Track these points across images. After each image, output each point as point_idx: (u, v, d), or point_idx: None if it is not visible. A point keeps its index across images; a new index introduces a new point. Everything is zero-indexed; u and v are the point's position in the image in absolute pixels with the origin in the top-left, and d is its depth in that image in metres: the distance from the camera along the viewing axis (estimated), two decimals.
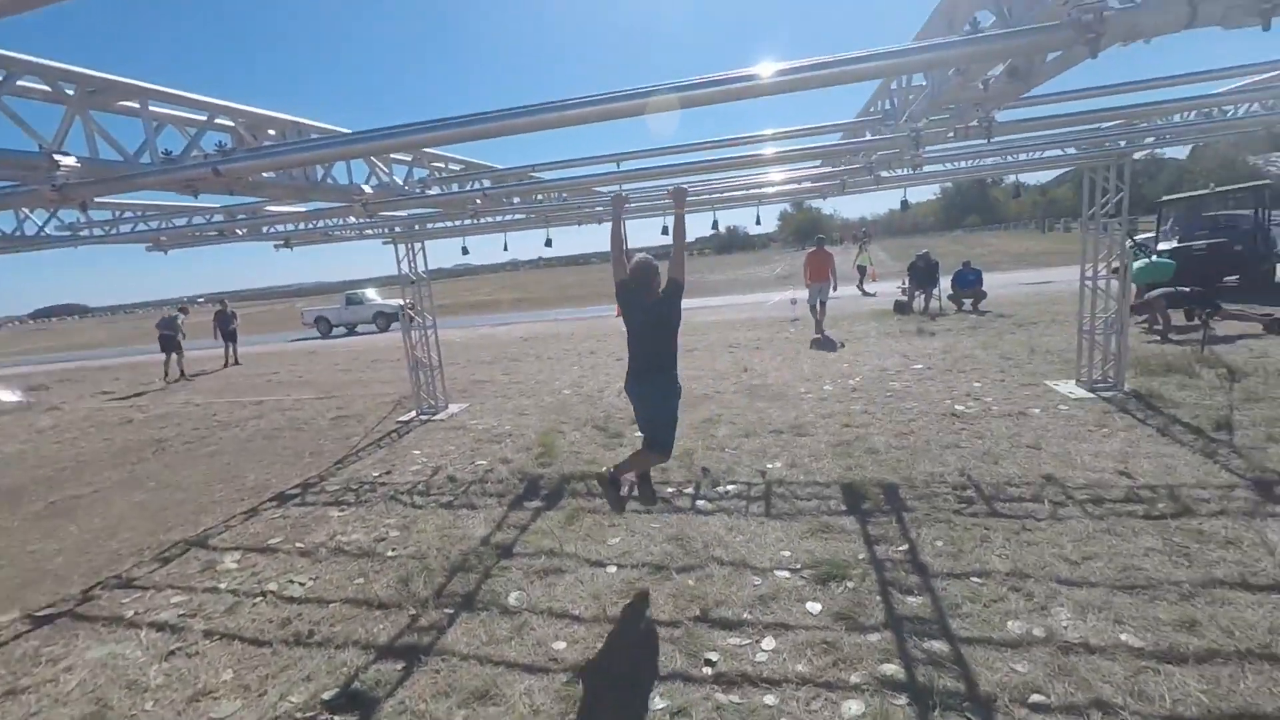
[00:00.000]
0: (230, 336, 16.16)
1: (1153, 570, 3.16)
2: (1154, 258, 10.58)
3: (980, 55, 1.78)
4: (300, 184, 3.06)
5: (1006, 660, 2.63)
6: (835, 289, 12.31)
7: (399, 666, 3.01)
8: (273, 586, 3.92)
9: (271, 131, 2.73)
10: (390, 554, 4.21)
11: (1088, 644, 2.68)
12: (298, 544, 4.52)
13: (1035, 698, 2.42)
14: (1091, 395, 6.12)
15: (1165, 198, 14.22)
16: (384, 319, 23.94)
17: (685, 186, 4.04)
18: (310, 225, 6.19)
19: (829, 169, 5.31)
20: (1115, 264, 6.27)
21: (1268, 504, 3.71)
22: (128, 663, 3.25)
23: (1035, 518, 3.82)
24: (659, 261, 3.54)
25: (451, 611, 3.43)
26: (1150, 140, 5.68)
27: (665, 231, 4.09)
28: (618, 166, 4.58)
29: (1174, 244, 12.22)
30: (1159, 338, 8.41)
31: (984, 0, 2.12)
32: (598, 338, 14.62)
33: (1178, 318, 8.78)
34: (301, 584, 3.93)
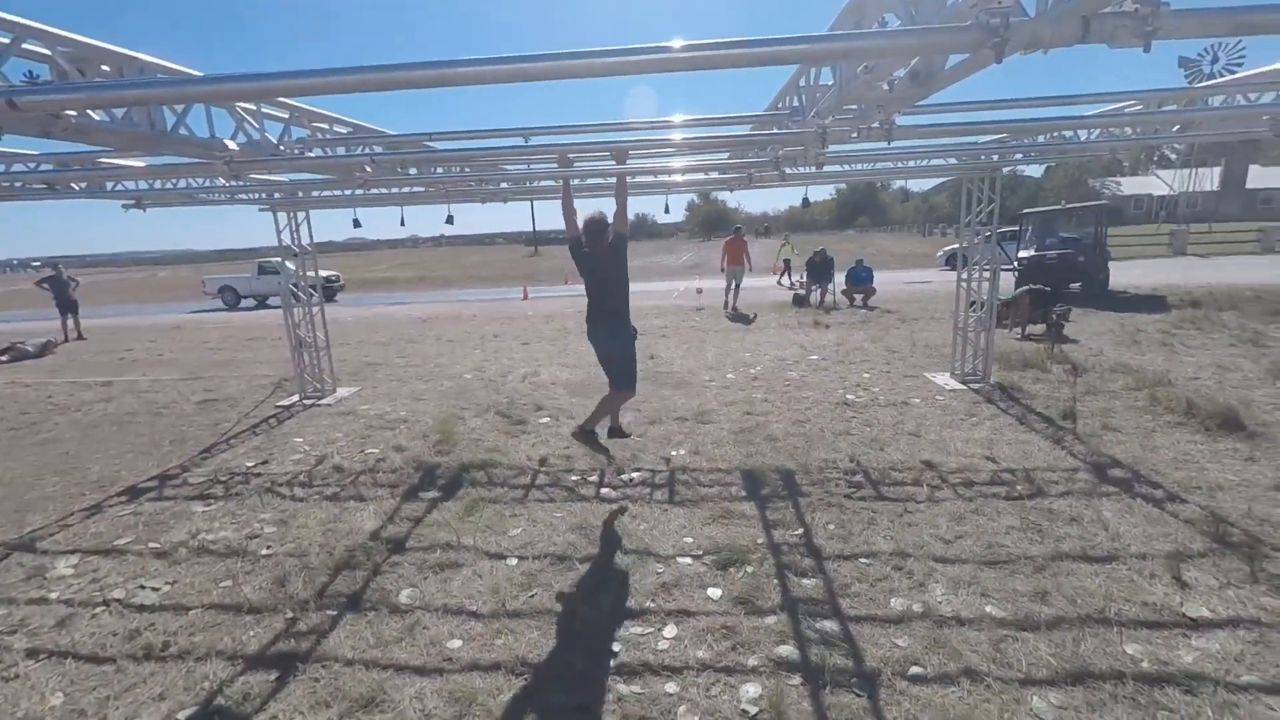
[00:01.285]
0: (70, 307, 14.09)
1: (1012, 546, 3.49)
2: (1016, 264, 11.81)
3: (892, 49, 1.83)
4: (145, 132, 2.60)
5: (890, 636, 2.80)
6: (750, 269, 14.33)
7: (272, 677, 2.73)
8: (118, 594, 3.43)
9: (105, 68, 2.29)
10: (265, 552, 3.83)
11: (959, 617, 2.91)
12: (151, 544, 4.00)
13: (914, 669, 2.59)
14: (963, 387, 6.70)
15: (1025, 210, 15.85)
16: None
17: (626, 146, 4.19)
18: (168, 184, 5.46)
19: (737, 160, 5.38)
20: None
21: (1102, 485, 4.21)
22: None
23: (915, 500, 4.11)
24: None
25: (335, 613, 3.17)
26: (1019, 157, 6.25)
27: None
28: (525, 141, 4.38)
29: (1031, 252, 13.66)
30: (1019, 334, 9.36)
31: (891, 3, 2.18)
32: (502, 320, 14.19)
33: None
34: (155, 589, 3.47)
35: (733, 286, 13.72)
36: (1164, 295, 12.36)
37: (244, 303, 21.96)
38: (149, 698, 2.64)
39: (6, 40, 2.07)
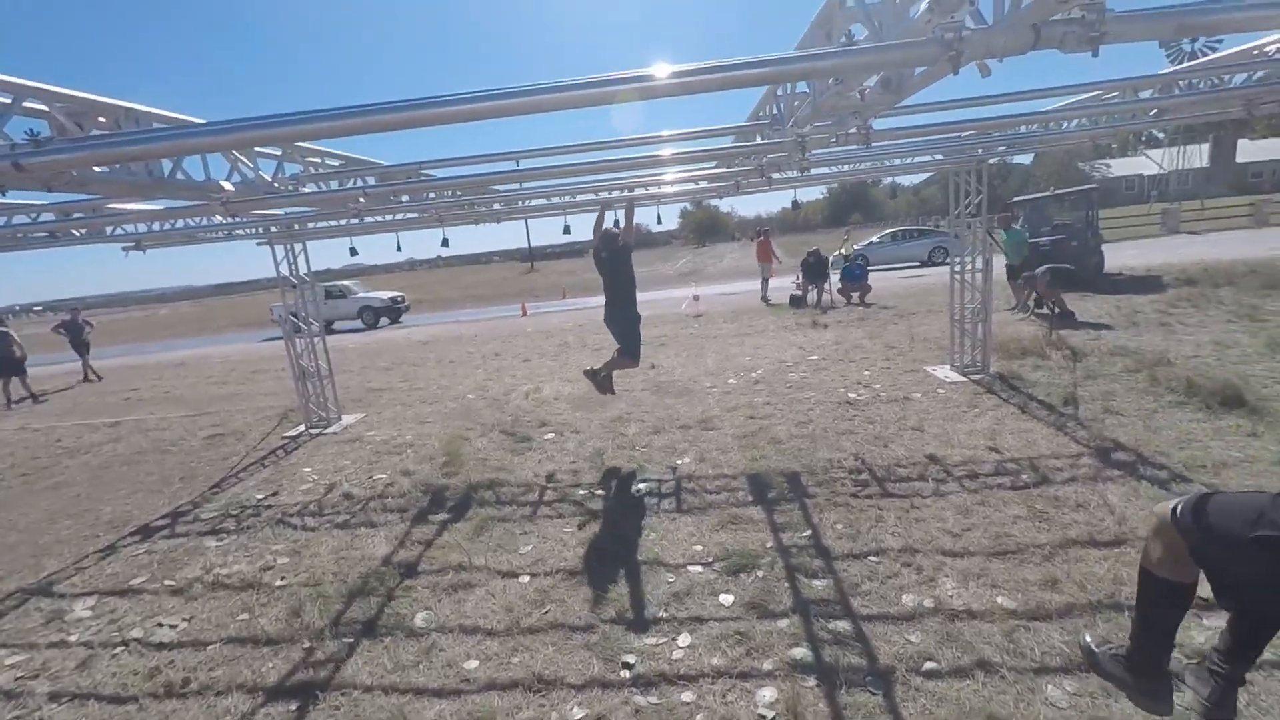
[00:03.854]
0: (83, 348, 14.27)
1: (1020, 536, 3.51)
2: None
3: (854, 66, 1.88)
4: (142, 180, 2.67)
5: (902, 632, 2.82)
6: (780, 261, 16.99)
7: (292, 707, 2.76)
8: (137, 633, 3.47)
9: (102, 120, 2.35)
10: (279, 584, 3.86)
11: (970, 609, 2.93)
12: (167, 581, 4.04)
13: (928, 665, 2.61)
14: (964, 379, 6.73)
15: (1016, 198, 15.93)
16: (371, 313, 21.96)
17: (634, 196, 5.82)
18: (166, 225, 5.54)
19: (724, 169, 5.45)
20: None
21: (1107, 469, 4.23)
22: None
23: (921, 495, 4.14)
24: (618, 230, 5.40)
25: (351, 640, 3.20)
26: (1002, 149, 6.31)
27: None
28: (517, 165, 4.45)
29: (1024, 232, 13.70)
30: (1025, 313, 9.31)
31: (856, 15, 2.25)
32: (502, 339, 14.25)
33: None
34: (173, 626, 3.51)
35: (764, 280, 16.22)
36: (1159, 275, 12.38)
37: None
38: None
39: (7, 100, 2.14)
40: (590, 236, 5.69)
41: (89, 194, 2.73)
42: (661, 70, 2.03)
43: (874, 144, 3.53)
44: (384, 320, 22.33)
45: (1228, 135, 48.33)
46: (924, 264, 21.62)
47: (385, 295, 22.95)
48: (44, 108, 2.30)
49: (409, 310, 23.96)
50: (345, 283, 23.47)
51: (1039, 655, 2.61)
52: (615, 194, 5.87)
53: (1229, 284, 10.46)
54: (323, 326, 23.80)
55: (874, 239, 25.44)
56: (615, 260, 5.18)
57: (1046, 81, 4.41)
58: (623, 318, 5.29)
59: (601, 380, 5.61)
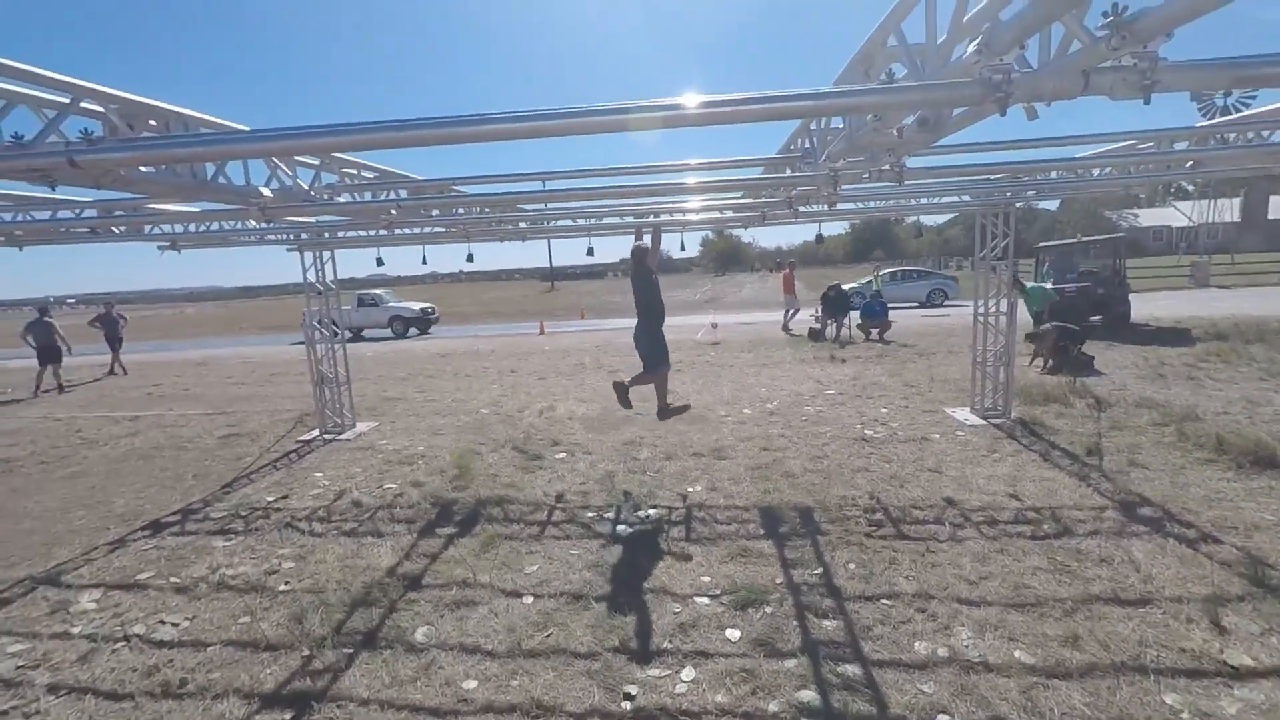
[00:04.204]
0: (116, 342, 14.60)
1: (1040, 588, 3.40)
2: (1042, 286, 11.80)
3: (898, 104, 1.89)
4: (186, 182, 2.75)
5: (914, 681, 2.72)
6: (796, 301, 16.46)
7: (287, 716, 2.72)
8: (139, 629, 3.46)
9: (152, 122, 2.43)
10: (283, 588, 3.84)
11: (986, 662, 2.82)
12: (172, 579, 4.04)
13: (941, 717, 2.51)
14: (984, 422, 6.61)
15: (1042, 244, 15.80)
16: (401, 323, 21.99)
17: (661, 223, 5.99)
18: (202, 227, 5.68)
19: (750, 200, 5.49)
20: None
21: (1132, 524, 4.10)
22: None
23: (938, 539, 4.03)
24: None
25: (350, 651, 3.16)
26: (1031, 193, 6.29)
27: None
28: (543, 185, 4.52)
29: (1049, 285, 13.56)
30: (1049, 370, 9.20)
31: (898, 54, 2.26)
32: (519, 355, 14.33)
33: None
34: (174, 625, 3.50)
35: (789, 312, 16.21)
36: (1188, 328, 12.15)
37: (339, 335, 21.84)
38: None
39: (66, 100, 2.22)
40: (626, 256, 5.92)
41: (134, 193, 2.81)
42: (693, 99, 2.04)
43: (905, 182, 3.53)
44: (413, 331, 22.37)
45: (1260, 190, 47.81)
46: (922, 304, 21.52)
47: (416, 306, 22.98)
48: (99, 109, 2.39)
49: (438, 322, 24.03)
50: (378, 291, 23.44)
51: (1058, 716, 2.49)
52: (648, 219, 6.02)
53: (1260, 340, 10.23)
54: (354, 333, 23.57)
55: (870, 278, 25.56)
56: (639, 280, 5.44)
57: (1075, 126, 4.41)
58: (649, 332, 5.49)
59: (627, 393, 5.60)
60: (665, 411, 5.59)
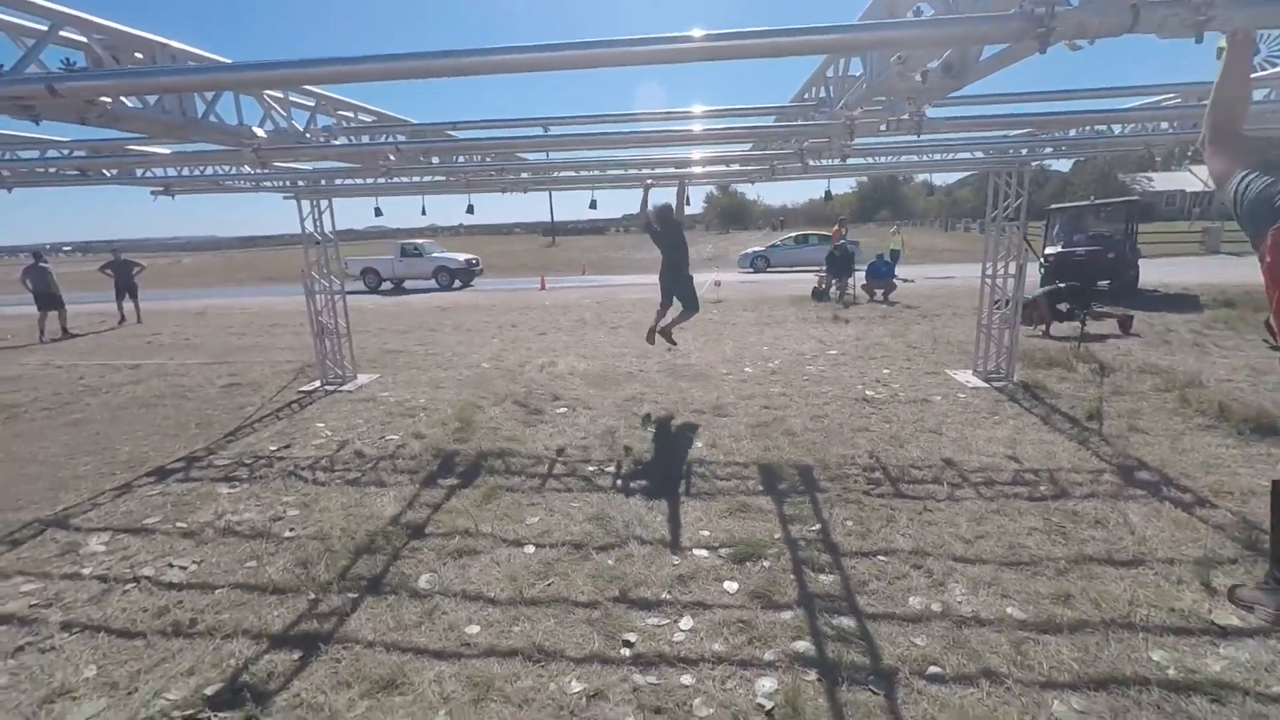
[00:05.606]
0: (131, 291, 14.43)
1: (1034, 548, 3.44)
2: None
3: (931, 39, 1.77)
4: (175, 119, 2.63)
5: (907, 634, 2.78)
6: None
7: (295, 656, 2.79)
8: (148, 571, 3.53)
9: (139, 55, 2.31)
10: (288, 534, 3.90)
11: (978, 617, 2.88)
12: (179, 524, 4.10)
13: (932, 669, 2.57)
14: (986, 385, 6.60)
15: (1053, 205, 15.49)
16: (446, 275, 21.35)
17: (686, 176, 6.23)
18: (195, 171, 5.54)
19: (758, 152, 5.33)
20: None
21: (1129, 488, 4.13)
22: None
23: (935, 499, 4.07)
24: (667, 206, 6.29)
25: (355, 596, 3.22)
26: (1049, 151, 6.11)
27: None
28: (545, 131, 4.37)
29: (1059, 248, 13.37)
30: (1041, 334, 9.18)
31: None
32: (520, 310, 14.25)
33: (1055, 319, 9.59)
34: (183, 568, 3.56)
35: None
36: (1196, 294, 12.04)
37: (382, 285, 21.13)
38: (178, 673, 2.71)
39: (44, 27, 2.11)
40: (637, 213, 6.64)
41: (122, 130, 2.71)
42: (701, 33, 1.92)
43: (922, 135, 3.40)
44: (456, 282, 21.61)
45: None
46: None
47: (461, 257, 22.16)
48: (81, 38, 2.27)
49: (482, 274, 23.26)
50: (421, 241, 22.47)
51: (1047, 669, 2.55)
52: (668, 172, 6.18)
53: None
54: (395, 284, 23.03)
55: (776, 242, 27.16)
56: (671, 233, 6.22)
57: (1098, 81, 4.23)
58: (678, 277, 6.35)
59: (664, 332, 6.62)
60: (665, 334, 6.61)
